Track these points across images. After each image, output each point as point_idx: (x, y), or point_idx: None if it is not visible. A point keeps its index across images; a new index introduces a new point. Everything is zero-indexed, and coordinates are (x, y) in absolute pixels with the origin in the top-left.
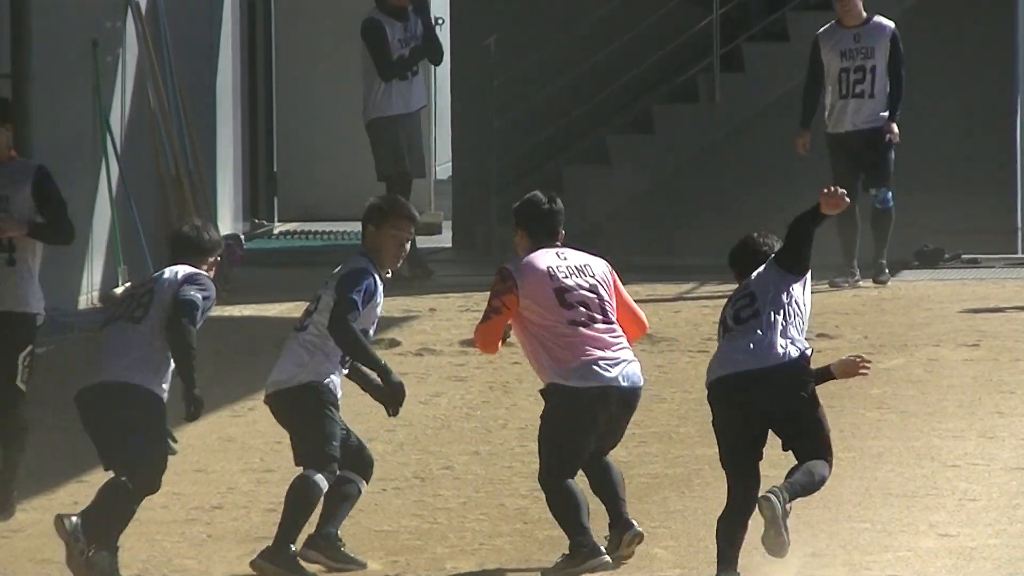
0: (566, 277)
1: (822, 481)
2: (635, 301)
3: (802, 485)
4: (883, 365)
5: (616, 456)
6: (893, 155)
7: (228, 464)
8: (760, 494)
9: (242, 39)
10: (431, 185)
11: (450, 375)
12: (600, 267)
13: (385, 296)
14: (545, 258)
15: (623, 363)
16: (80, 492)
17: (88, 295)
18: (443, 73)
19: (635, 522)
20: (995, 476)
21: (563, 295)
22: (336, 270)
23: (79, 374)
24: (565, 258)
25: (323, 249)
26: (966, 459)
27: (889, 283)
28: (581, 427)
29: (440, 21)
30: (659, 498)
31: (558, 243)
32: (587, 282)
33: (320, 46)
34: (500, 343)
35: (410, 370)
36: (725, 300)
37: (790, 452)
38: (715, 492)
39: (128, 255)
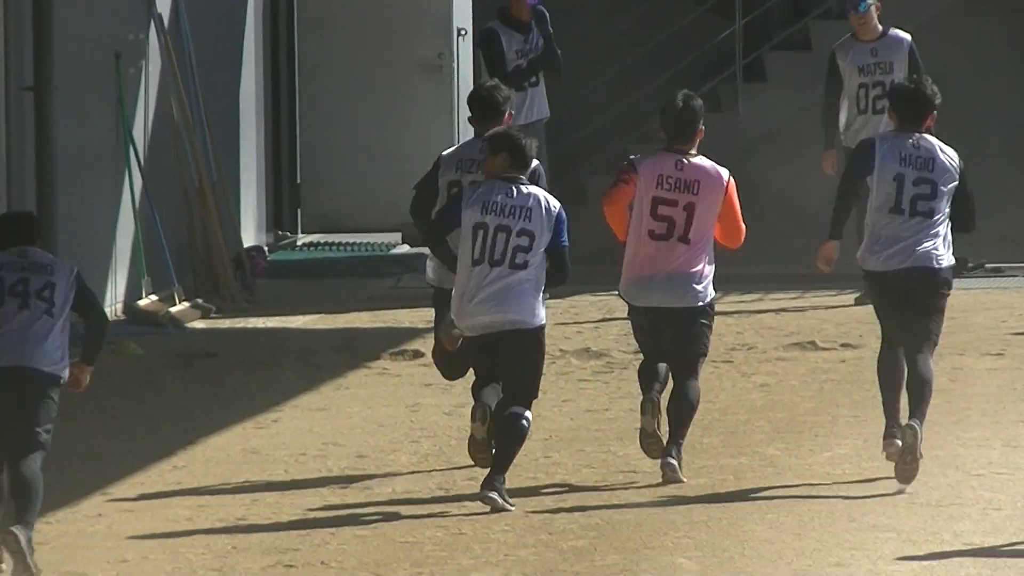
0: (670, 190)
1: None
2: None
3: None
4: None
5: (641, 467)
6: None
7: (252, 476)
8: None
9: (265, 50)
10: None
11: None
12: (711, 183)
13: (407, 308)
14: (664, 164)
15: (676, 285)
16: (105, 504)
17: (112, 307)
18: (466, 84)
19: (673, 459)
20: (1020, 485)
21: (657, 206)
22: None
23: (101, 386)
24: (681, 169)
25: (347, 260)
26: (990, 468)
27: None
28: (639, 337)
29: (463, 32)
30: (683, 508)
31: (689, 146)
32: (686, 200)
33: (343, 56)
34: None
35: (434, 381)
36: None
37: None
38: (740, 502)
39: (152, 267)
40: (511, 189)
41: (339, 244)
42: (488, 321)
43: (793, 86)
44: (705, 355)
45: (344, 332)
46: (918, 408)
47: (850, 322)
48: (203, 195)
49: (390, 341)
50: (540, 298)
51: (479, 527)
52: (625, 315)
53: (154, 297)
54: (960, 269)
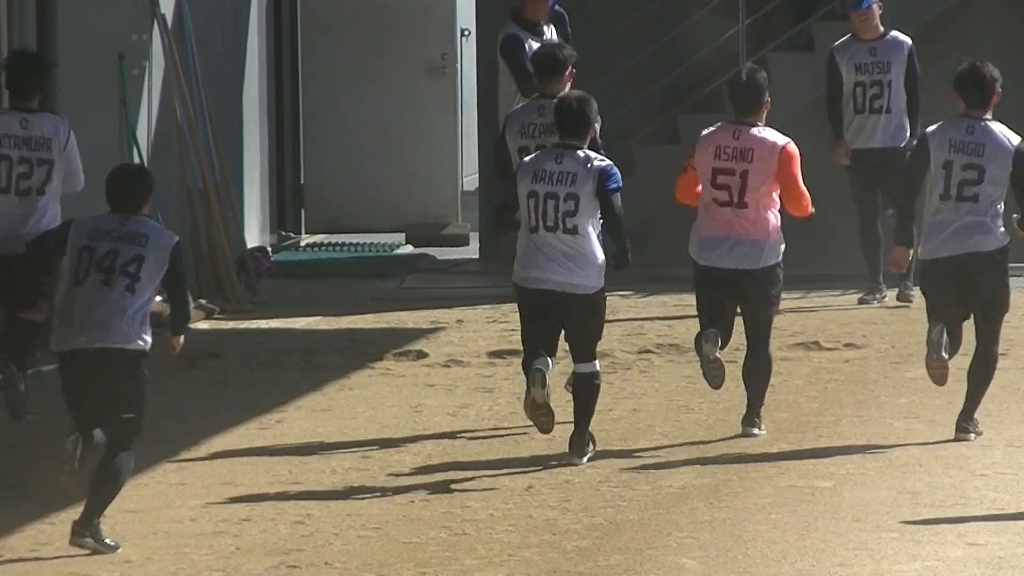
0: (727, 160)
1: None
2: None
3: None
4: (910, 374)
5: (644, 465)
6: None
7: (256, 476)
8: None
9: (268, 51)
10: (458, 196)
11: (478, 386)
12: (765, 151)
13: (411, 309)
14: (722, 135)
15: (738, 246)
16: (111, 504)
17: None
18: (470, 85)
19: (753, 428)
20: (1023, 485)
21: (716, 175)
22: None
23: None
24: (738, 138)
25: (350, 261)
26: (994, 468)
27: (915, 300)
28: (701, 297)
29: (467, 33)
30: (687, 508)
31: (753, 118)
32: (741, 168)
33: (347, 57)
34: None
35: (437, 382)
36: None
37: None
38: (743, 502)
39: None
40: (560, 156)
41: (343, 245)
42: (548, 286)
43: (796, 87)
44: (772, 323)
45: (348, 333)
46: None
47: (854, 322)
48: (207, 196)
49: (394, 342)
50: (599, 260)
51: (483, 528)
52: (625, 317)
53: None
54: None
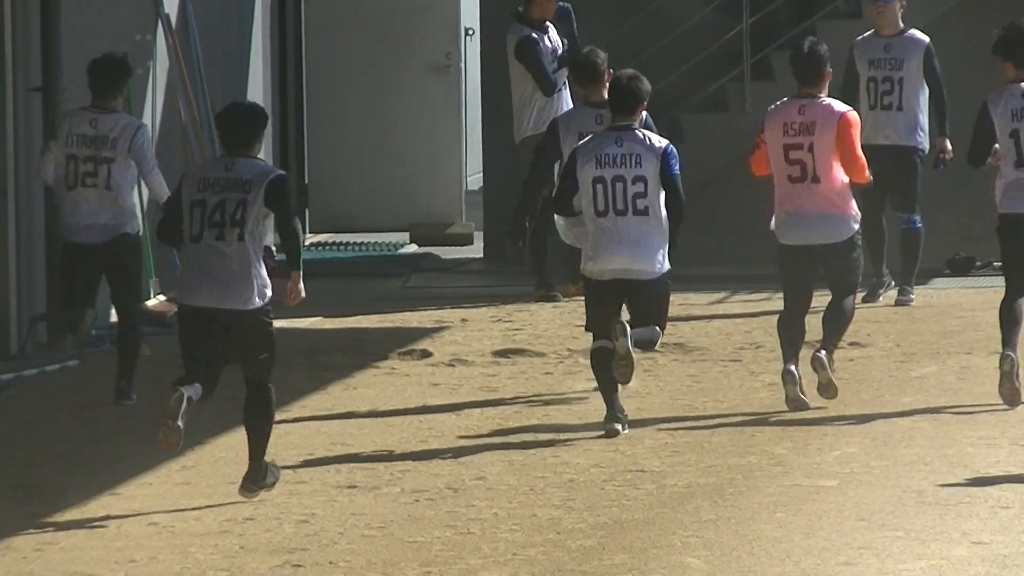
0: (795, 135)
1: None
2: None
3: None
4: (915, 373)
5: (649, 466)
6: (919, 178)
7: None
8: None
9: (273, 51)
10: (462, 196)
11: (482, 385)
12: (826, 121)
13: (415, 309)
14: (788, 112)
15: (819, 222)
16: (113, 504)
17: None
18: (473, 84)
19: (823, 355)
20: None
21: (788, 151)
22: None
23: (110, 387)
24: (803, 113)
25: (354, 260)
26: (999, 466)
27: (912, 303)
28: (785, 275)
29: (471, 32)
30: (692, 507)
31: (817, 90)
32: (808, 141)
33: (351, 56)
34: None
35: (442, 381)
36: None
37: None
38: (748, 501)
39: (159, 268)
40: (620, 139)
41: (347, 244)
42: (619, 268)
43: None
44: (858, 283)
45: (352, 332)
46: None
47: (859, 321)
48: None
49: (398, 341)
50: (665, 242)
51: (487, 527)
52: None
53: (162, 298)
54: (967, 268)
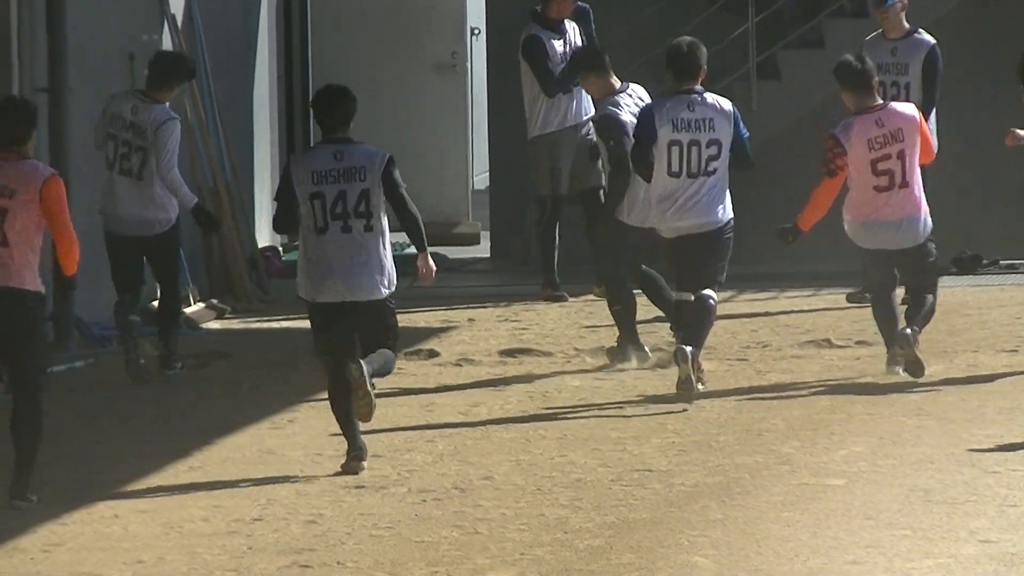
0: (881, 147)
1: None
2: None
3: None
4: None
5: (656, 466)
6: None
7: (268, 476)
8: None
9: (279, 50)
10: (468, 195)
11: (489, 385)
12: (910, 126)
13: (422, 308)
14: (867, 127)
15: (904, 225)
16: (120, 505)
17: None
18: (480, 84)
19: (910, 331)
20: None
21: (876, 164)
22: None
23: (117, 388)
24: (882, 125)
25: None
26: (1006, 465)
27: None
28: (871, 270)
29: (477, 32)
30: (699, 507)
31: (874, 100)
32: (897, 149)
33: (357, 56)
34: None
35: (449, 380)
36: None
37: None
38: (755, 500)
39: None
40: (691, 103)
41: None
42: (686, 225)
43: (807, 84)
44: (938, 276)
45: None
46: None
47: (865, 320)
48: (217, 195)
49: (405, 341)
50: (726, 196)
51: (495, 526)
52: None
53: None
54: (974, 266)
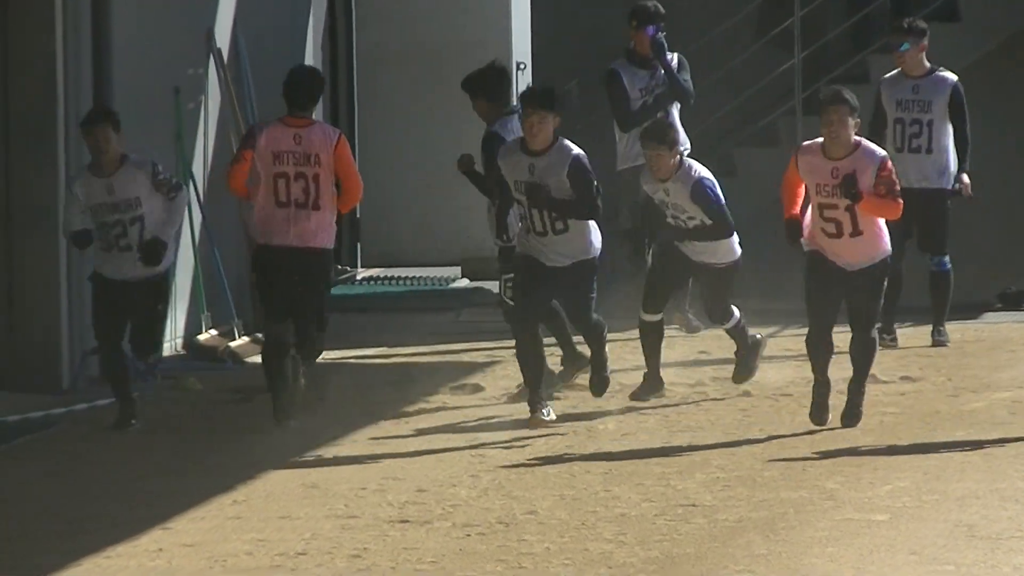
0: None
1: None
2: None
3: None
4: (967, 407)
5: (701, 500)
6: (948, 219)
7: (312, 510)
8: None
9: (325, 89)
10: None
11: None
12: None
13: (467, 342)
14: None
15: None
16: (164, 538)
17: (172, 342)
18: None
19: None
20: None
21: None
22: None
23: (161, 422)
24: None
25: (406, 294)
26: None
27: (947, 343)
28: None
29: (522, 66)
30: (743, 542)
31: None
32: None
33: (402, 91)
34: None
35: (495, 415)
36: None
37: None
38: (799, 536)
39: (211, 301)
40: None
41: (398, 278)
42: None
43: None
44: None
45: (403, 367)
46: None
47: (909, 355)
48: None
49: (450, 375)
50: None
51: (539, 561)
52: (680, 350)
53: (214, 332)
54: (1019, 301)
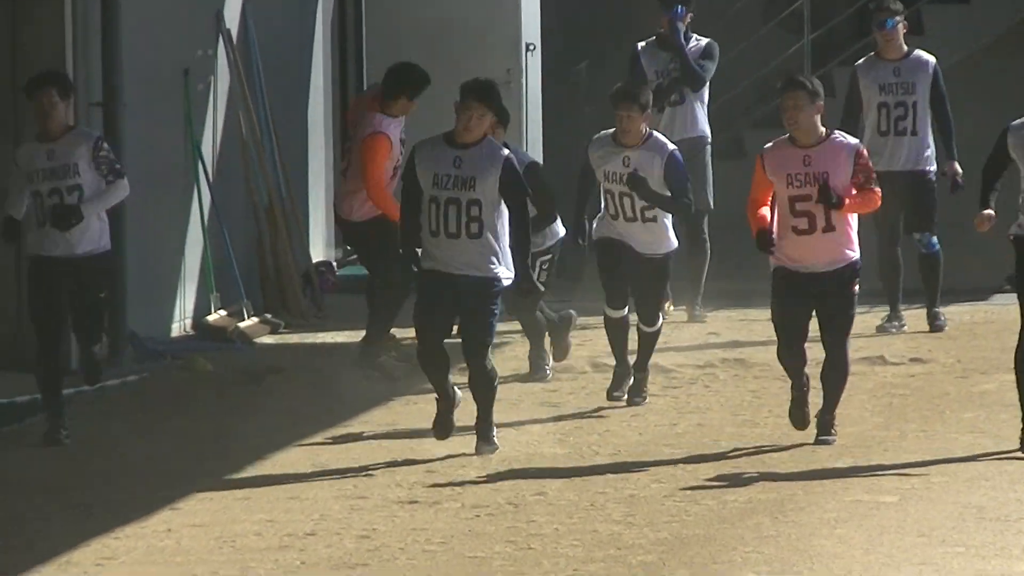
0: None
1: None
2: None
3: None
4: (976, 389)
5: (709, 482)
6: (936, 197)
7: (321, 491)
8: None
9: (334, 68)
10: None
11: (543, 401)
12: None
13: None
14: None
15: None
16: (173, 519)
17: (181, 323)
18: (535, 100)
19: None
20: None
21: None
22: None
23: (170, 402)
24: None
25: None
26: None
27: (946, 326)
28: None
29: (532, 48)
30: (752, 523)
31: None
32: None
33: None
34: None
35: (502, 396)
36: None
37: None
38: (808, 517)
39: (220, 282)
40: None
41: None
42: None
43: None
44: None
45: (412, 347)
46: None
47: (919, 337)
48: (272, 211)
49: (458, 357)
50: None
51: (548, 542)
52: (689, 332)
53: (223, 312)
54: None
